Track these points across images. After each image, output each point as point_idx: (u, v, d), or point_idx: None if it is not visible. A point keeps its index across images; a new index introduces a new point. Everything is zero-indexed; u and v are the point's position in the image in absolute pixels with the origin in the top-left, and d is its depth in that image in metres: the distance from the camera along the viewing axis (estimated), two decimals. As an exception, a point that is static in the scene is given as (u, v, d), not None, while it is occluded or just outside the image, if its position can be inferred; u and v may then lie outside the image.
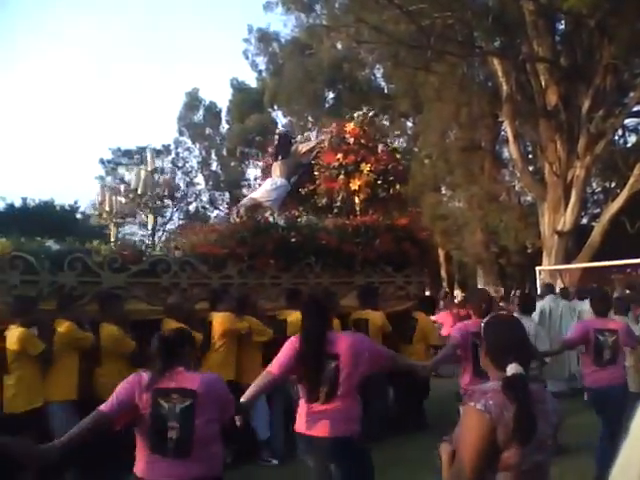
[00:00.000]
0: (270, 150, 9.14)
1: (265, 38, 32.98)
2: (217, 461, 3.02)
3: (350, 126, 8.46)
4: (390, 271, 7.55)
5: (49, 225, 28.09)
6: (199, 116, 37.30)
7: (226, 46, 66.21)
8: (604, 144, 16.76)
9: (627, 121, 19.57)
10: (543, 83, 17.45)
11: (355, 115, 8.79)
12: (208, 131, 37.01)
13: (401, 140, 29.54)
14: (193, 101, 37.04)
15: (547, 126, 17.41)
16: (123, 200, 7.93)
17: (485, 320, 2.60)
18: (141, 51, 62.92)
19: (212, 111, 36.92)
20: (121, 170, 38.24)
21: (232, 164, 35.63)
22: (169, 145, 38.03)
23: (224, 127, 37.09)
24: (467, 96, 19.26)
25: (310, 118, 32.10)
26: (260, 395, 3.79)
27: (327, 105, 30.37)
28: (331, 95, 30.39)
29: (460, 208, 22.86)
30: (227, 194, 36.30)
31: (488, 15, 16.37)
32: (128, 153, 37.93)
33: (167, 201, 6.81)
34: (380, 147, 8.48)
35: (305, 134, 20.83)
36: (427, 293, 10.15)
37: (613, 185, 21.55)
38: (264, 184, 8.33)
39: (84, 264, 5.84)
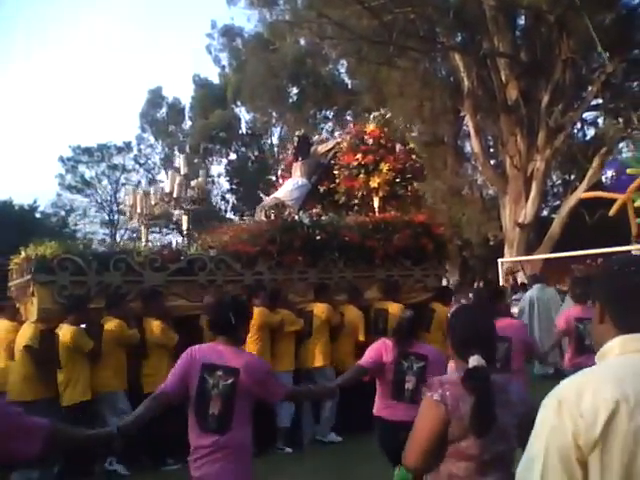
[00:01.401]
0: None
1: (228, 33, 32.71)
2: None
3: (370, 127, 8.83)
4: (409, 265, 7.94)
5: (8, 225, 27.46)
6: (162, 113, 36.84)
7: (190, 42, 65.60)
8: (563, 137, 17.09)
9: (585, 115, 19.96)
10: (503, 78, 17.69)
11: (372, 116, 9.16)
12: (171, 128, 36.57)
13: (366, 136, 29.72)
14: (156, 98, 36.55)
15: (508, 120, 17.67)
16: (153, 202, 8.23)
17: (452, 311, 2.61)
18: (101, 47, 61.84)
19: (176, 108, 36.50)
20: (82, 168, 37.61)
21: (195, 161, 35.30)
22: (130, 142, 37.53)
23: (187, 124, 36.72)
24: (429, 91, 19.41)
25: (274, 114, 31.98)
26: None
27: (291, 101, 30.30)
28: (295, 90, 30.31)
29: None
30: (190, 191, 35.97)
31: (449, 10, 16.52)
32: (88, 151, 37.28)
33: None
34: (398, 147, 8.82)
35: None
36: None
37: (572, 177, 21.99)
38: (286, 184, 8.80)
39: (127, 264, 6.24)
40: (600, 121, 20.67)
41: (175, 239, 36.63)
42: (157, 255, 6.47)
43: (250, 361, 3.26)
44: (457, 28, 17.99)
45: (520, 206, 17.46)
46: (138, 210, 8.11)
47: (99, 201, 37.98)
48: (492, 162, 20.14)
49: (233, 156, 35.43)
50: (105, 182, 37.93)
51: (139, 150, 37.80)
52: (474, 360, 2.23)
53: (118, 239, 37.76)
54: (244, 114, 34.63)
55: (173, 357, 5.50)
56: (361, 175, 8.55)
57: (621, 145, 17.48)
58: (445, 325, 7.44)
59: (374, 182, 8.49)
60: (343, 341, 6.98)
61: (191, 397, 3.17)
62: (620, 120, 17.54)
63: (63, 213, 37.26)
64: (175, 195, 7.74)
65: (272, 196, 8.84)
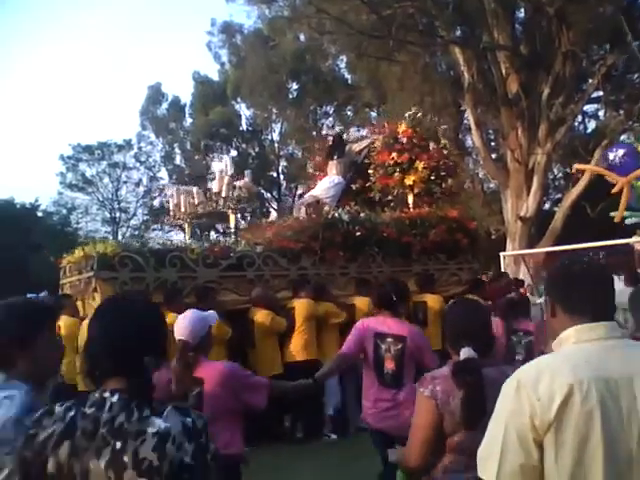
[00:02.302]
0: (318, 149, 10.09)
1: (228, 30, 32.67)
2: None
3: (402, 127, 9.12)
4: (443, 259, 8.21)
5: (10, 224, 27.48)
6: (162, 110, 36.80)
7: (189, 39, 65.49)
8: (564, 130, 17.04)
9: (586, 107, 19.92)
10: (504, 71, 17.63)
11: (406, 115, 9.46)
12: (172, 125, 36.54)
13: (366, 130, 29.70)
14: (156, 95, 36.50)
15: (508, 114, 17.62)
16: (196, 201, 8.62)
17: (447, 305, 2.65)
18: (100, 44, 61.77)
19: (176, 105, 36.46)
20: (82, 166, 37.60)
21: (196, 157, 35.27)
22: (131, 140, 37.50)
23: (188, 121, 36.69)
24: (429, 85, 19.36)
25: (274, 110, 31.96)
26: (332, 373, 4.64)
27: (291, 96, 30.29)
28: (295, 86, 30.31)
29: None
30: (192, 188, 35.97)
31: (448, 4, 16.47)
32: (89, 149, 37.25)
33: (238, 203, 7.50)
34: (431, 145, 9.11)
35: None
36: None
37: (574, 171, 21.94)
38: (322, 182, 9.14)
39: (182, 261, 6.57)
40: (601, 114, 20.64)
41: (176, 234, 36.79)
42: (209, 252, 6.77)
43: (413, 330, 4.03)
44: (457, 22, 17.93)
45: (522, 200, 17.43)
46: (182, 209, 8.44)
47: (100, 199, 37.97)
48: (493, 156, 20.10)
49: (234, 152, 35.42)
50: (106, 180, 37.90)
51: (139, 148, 37.76)
52: (464, 352, 2.25)
53: (120, 237, 37.86)
54: (244, 110, 34.63)
55: (228, 349, 6.08)
56: (396, 173, 8.83)
57: (622, 137, 17.41)
58: None
59: (409, 180, 8.78)
60: None
61: (368, 359, 4.00)
62: (621, 112, 17.50)
63: (65, 211, 37.24)
64: (224, 195, 8.02)
65: (309, 194, 9.18)
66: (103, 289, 6.14)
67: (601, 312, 1.62)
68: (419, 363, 3.90)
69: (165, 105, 36.73)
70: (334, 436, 6.70)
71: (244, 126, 35.39)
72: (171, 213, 8.66)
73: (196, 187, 8.82)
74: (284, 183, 35.63)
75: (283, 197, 35.88)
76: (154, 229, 37.54)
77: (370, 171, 9.21)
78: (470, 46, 17.73)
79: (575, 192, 17.29)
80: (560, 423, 1.45)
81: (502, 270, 12.75)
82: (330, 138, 9.59)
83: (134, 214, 37.99)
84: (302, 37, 24.97)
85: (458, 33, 18.97)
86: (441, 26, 18.06)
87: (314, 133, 30.84)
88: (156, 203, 37.36)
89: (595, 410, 1.44)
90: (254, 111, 33.51)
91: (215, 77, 34.48)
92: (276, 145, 34.95)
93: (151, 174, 37.77)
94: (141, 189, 37.81)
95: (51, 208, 36.67)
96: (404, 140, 8.91)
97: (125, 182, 37.98)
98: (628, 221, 11.04)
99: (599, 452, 1.43)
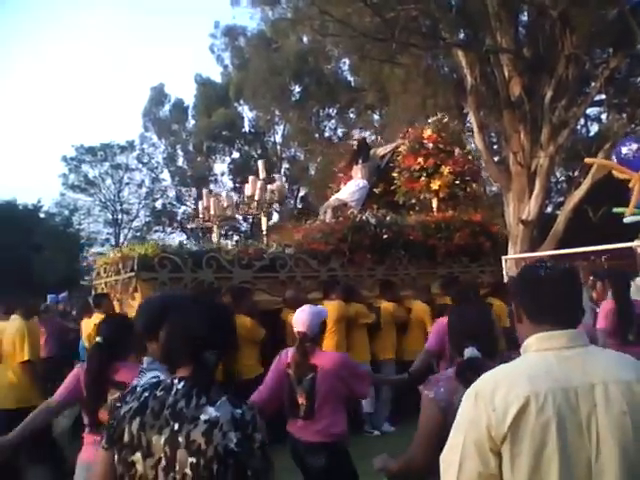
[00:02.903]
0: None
1: (231, 33, 32.74)
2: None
3: (427, 132, 9.43)
4: (467, 262, 8.46)
5: (13, 224, 27.52)
6: (165, 111, 36.87)
7: (192, 41, 65.60)
8: (567, 133, 16.97)
9: (589, 110, 19.88)
10: (506, 74, 17.59)
11: (430, 121, 9.70)
12: (174, 127, 36.61)
13: (368, 133, 29.69)
14: (159, 96, 36.58)
15: (511, 117, 17.56)
16: (225, 204, 8.91)
17: (452, 309, 2.72)
18: (103, 45, 61.94)
19: (179, 107, 36.52)
20: (85, 167, 37.65)
21: (198, 159, 35.32)
22: (133, 141, 37.56)
23: (191, 123, 36.73)
24: (432, 88, 19.34)
25: (277, 112, 31.97)
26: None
27: (294, 99, 30.30)
28: (297, 89, 30.33)
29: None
30: (194, 190, 35.98)
31: (452, 7, 16.48)
32: (91, 150, 37.33)
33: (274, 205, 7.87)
34: (457, 151, 9.45)
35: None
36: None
37: (576, 174, 21.91)
38: (348, 185, 9.44)
39: (218, 262, 6.83)
40: (604, 117, 20.62)
41: (178, 237, 36.77)
42: (243, 253, 7.06)
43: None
44: (460, 24, 17.90)
45: (524, 203, 17.36)
46: (212, 212, 8.66)
47: (103, 200, 38.01)
48: (495, 159, 20.07)
49: (236, 154, 35.45)
50: (109, 181, 38.05)
51: (142, 149, 37.82)
52: (468, 352, 2.27)
53: (122, 239, 37.88)
54: (247, 112, 34.70)
55: (261, 349, 6.29)
56: (423, 177, 9.10)
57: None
58: (502, 318, 7.49)
59: (435, 184, 9.08)
60: (412, 334, 7.39)
61: (446, 355, 4.36)
62: (624, 115, 17.47)
63: (67, 212, 37.32)
64: (257, 198, 8.25)
65: (334, 197, 9.45)
66: (143, 289, 6.41)
67: (564, 319, 1.61)
68: None
69: (168, 107, 36.88)
70: (377, 432, 7.00)
71: (246, 128, 35.46)
72: (200, 215, 8.90)
73: (225, 191, 9.10)
74: (286, 185, 35.64)
75: (285, 199, 35.88)
76: (156, 231, 37.61)
77: (395, 175, 9.45)
78: (473, 49, 17.70)
79: (577, 195, 17.21)
80: (515, 434, 1.46)
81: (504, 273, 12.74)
82: (355, 143, 9.86)
83: (136, 215, 38.09)
84: (305, 39, 25.00)
85: (461, 36, 18.95)
86: (444, 29, 18.04)
87: (317, 135, 30.88)
88: (158, 205, 37.40)
89: (551, 421, 1.45)
90: (256, 113, 33.56)
91: (218, 79, 34.58)
92: (278, 147, 34.98)
93: (153, 175, 37.88)
94: (143, 190, 37.88)
95: (53, 209, 36.82)
96: (430, 145, 9.21)
97: (127, 183, 38.08)
98: (627, 220, 11.02)
99: (555, 461, 1.45)
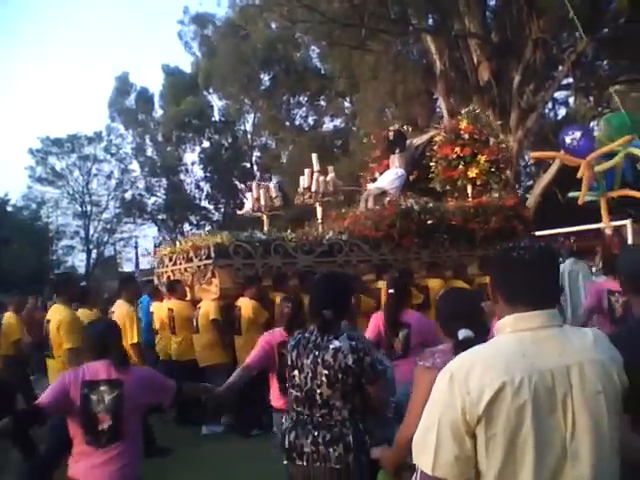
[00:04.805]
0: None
1: (199, 20, 32.33)
2: None
3: (463, 123, 9.89)
4: (501, 244, 8.22)
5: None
6: (130, 101, 36.29)
7: (158, 29, 64.70)
8: (535, 117, 17.23)
9: (557, 94, 20.13)
10: (475, 59, 17.74)
11: (463, 112, 10.33)
12: (141, 116, 36.06)
13: (339, 120, 29.64)
14: (124, 86, 35.98)
15: (480, 101, 17.70)
16: (273, 195, 9.31)
17: (440, 294, 2.78)
18: (67, 34, 60.74)
19: (144, 96, 35.97)
20: (52, 159, 36.96)
21: (168, 149, 34.89)
22: (101, 132, 36.95)
23: (158, 112, 36.24)
24: (402, 74, 19.39)
25: (247, 100, 31.72)
26: None
27: (263, 87, 30.07)
28: (267, 77, 30.09)
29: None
30: (164, 180, 35.58)
31: (420, -8, 16.50)
32: (58, 142, 36.61)
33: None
34: (491, 140, 9.93)
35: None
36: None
37: (532, 159, 22.19)
38: (387, 174, 9.87)
39: (284, 249, 7.38)
40: (571, 100, 20.89)
41: (149, 227, 36.33)
42: (305, 240, 7.61)
43: None
44: (428, 10, 17.97)
45: (494, 187, 17.60)
46: (262, 202, 9.06)
47: (71, 193, 37.38)
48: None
49: (206, 144, 35.11)
50: (76, 173, 37.31)
51: (110, 140, 37.21)
52: (462, 333, 2.28)
53: (92, 231, 37.38)
54: (216, 101, 34.32)
55: None
56: (460, 166, 9.60)
57: (592, 124, 17.66)
58: None
59: (472, 172, 9.56)
60: None
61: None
62: (591, 99, 17.74)
63: (34, 206, 36.64)
64: (314, 189, 8.68)
65: (374, 185, 9.91)
66: (220, 275, 6.98)
67: (540, 299, 1.59)
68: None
69: (133, 96, 36.23)
70: None
71: (216, 117, 35.10)
72: (250, 206, 9.30)
73: (272, 182, 9.44)
74: (258, 174, 35.46)
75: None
76: (126, 222, 37.16)
77: (432, 164, 9.97)
78: (442, 34, 17.79)
79: (546, 178, 17.50)
80: (490, 417, 1.46)
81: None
82: (390, 133, 10.35)
83: (106, 207, 37.51)
84: (274, 26, 24.80)
85: (430, 21, 19.03)
86: (413, 14, 18.09)
87: (287, 123, 30.72)
88: (128, 196, 36.92)
89: (527, 404, 1.46)
90: (226, 102, 33.24)
91: (185, 67, 34.19)
92: (249, 136, 34.73)
93: (122, 166, 37.26)
94: (112, 182, 37.30)
95: (20, 202, 36.09)
96: (466, 136, 9.70)
97: (96, 175, 37.45)
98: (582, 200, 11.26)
99: (530, 443, 1.45)
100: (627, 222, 10.41)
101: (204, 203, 35.78)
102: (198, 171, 35.42)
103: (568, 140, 10.69)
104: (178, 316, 7.23)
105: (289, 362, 2.91)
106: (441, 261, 8.20)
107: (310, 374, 2.81)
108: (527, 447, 1.45)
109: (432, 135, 10.52)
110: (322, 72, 27.52)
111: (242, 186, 35.81)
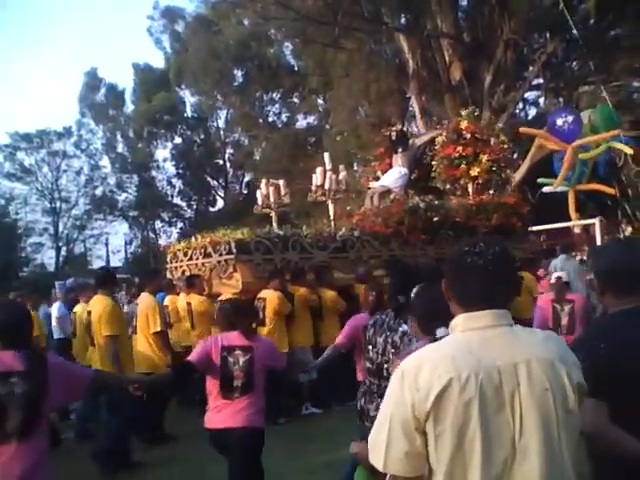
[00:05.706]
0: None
1: (170, 15, 32.02)
2: None
3: (464, 123, 10.22)
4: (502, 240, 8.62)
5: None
6: (101, 96, 35.79)
7: (127, 23, 63.83)
8: (506, 117, 17.40)
9: (527, 94, 20.38)
10: (447, 59, 17.86)
11: (463, 113, 10.63)
12: (112, 112, 35.59)
13: (312, 118, 29.63)
14: (93, 81, 35.47)
15: (452, 101, 17.86)
16: (283, 192, 9.53)
17: (415, 291, 2.73)
18: (37, 27, 59.62)
19: (114, 91, 35.51)
20: (20, 155, 36.30)
21: (139, 145, 34.50)
22: (71, 127, 36.38)
23: (128, 107, 35.81)
24: (375, 73, 19.45)
25: (219, 97, 31.53)
26: None
27: (236, 83, 29.92)
28: (240, 73, 29.94)
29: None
30: (135, 176, 35.18)
31: (393, -9, 16.55)
32: (27, 137, 35.93)
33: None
34: (492, 140, 10.26)
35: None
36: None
37: (515, 156, 22.45)
38: (391, 172, 10.13)
39: (301, 244, 7.71)
40: (541, 100, 21.16)
41: (120, 224, 35.88)
42: (319, 237, 7.94)
43: None
44: (401, 9, 18.04)
45: (466, 186, 17.77)
46: (271, 199, 9.34)
47: (40, 189, 36.72)
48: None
49: (178, 140, 34.82)
50: (45, 169, 36.63)
51: (80, 135, 36.64)
52: (441, 332, 2.27)
53: (61, 228, 36.79)
54: (188, 97, 34.05)
55: (341, 319, 6.67)
56: (462, 165, 9.91)
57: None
58: (532, 290, 8.16)
59: (474, 171, 9.87)
60: None
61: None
62: (560, 99, 17.99)
63: (2, 202, 35.92)
64: (327, 187, 8.95)
65: (379, 183, 10.16)
66: (242, 269, 7.22)
67: (490, 300, 1.62)
68: None
69: (103, 91, 35.74)
70: None
71: (188, 113, 34.83)
72: (259, 203, 9.53)
73: (282, 180, 9.80)
74: (231, 170, 35.27)
75: (230, 184, 35.54)
76: (97, 219, 36.66)
77: (434, 163, 10.31)
78: (414, 34, 17.88)
79: (516, 177, 17.69)
80: (438, 413, 1.49)
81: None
82: (393, 133, 10.61)
83: (75, 204, 36.91)
84: (246, 22, 24.67)
85: (403, 21, 19.10)
86: (386, 13, 18.14)
87: (260, 120, 30.61)
88: (98, 192, 36.42)
89: (473, 400, 1.48)
90: (198, 98, 32.99)
91: (156, 63, 33.89)
92: (222, 132, 34.53)
93: (92, 162, 36.73)
94: (82, 178, 36.73)
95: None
96: (468, 136, 10.03)
97: (65, 171, 36.81)
98: (547, 189, 11.57)
99: (477, 440, 1.47)
100: (596, 220, 10.61)
101: (176, 200, 35.54)
102: (170, 168, 35.17)
103: (560, 122, 10.95)
104: (196, 310, 7.46)
105: (366, 338, 3.38)
106: (446, 257, 8.35)
107: (380, 350, 3.28)
108: (475, 444, 1.47)
109: (433, 135, 10.86)
110: (295, 69, 27.49)
111: (214, 183, 35.62)
